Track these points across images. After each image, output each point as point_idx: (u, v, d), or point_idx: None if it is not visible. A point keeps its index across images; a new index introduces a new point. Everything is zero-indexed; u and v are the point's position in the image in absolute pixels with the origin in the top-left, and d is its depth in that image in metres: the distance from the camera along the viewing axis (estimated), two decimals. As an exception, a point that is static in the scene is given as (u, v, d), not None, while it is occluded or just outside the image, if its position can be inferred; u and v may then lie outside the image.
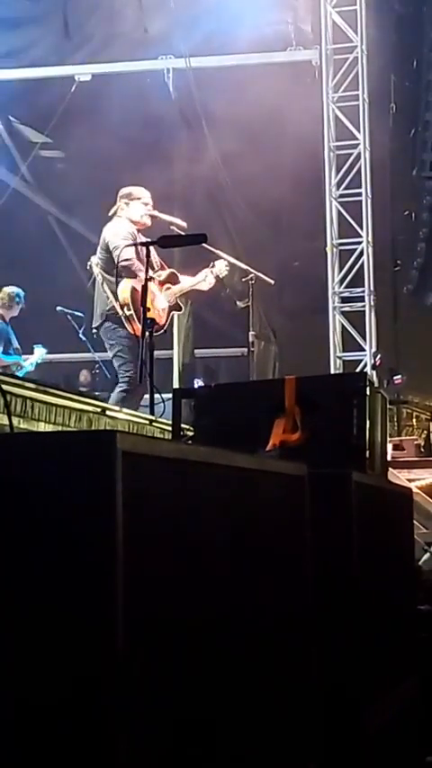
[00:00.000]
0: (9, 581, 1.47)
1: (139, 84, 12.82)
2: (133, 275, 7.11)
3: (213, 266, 7.65)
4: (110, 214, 7.57)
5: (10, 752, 1.45)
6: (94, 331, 7.57)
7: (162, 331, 7.47)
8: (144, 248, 6.99)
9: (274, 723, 2.16)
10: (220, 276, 7.73)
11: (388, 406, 3.79)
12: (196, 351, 13.22)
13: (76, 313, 10.26)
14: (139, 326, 6.78)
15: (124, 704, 1.44)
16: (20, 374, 8.96)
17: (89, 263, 7.59)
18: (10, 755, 1.45)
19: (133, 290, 7.03)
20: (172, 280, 7.57)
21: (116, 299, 7.18)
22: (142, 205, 7.53)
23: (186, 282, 7.66)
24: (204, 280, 7.65)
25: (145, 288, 6.65)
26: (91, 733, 1.42)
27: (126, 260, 7.16)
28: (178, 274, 7.65)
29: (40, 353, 10.37)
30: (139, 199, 7.56)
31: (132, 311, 7.05)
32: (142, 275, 6.90)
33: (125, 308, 7.12)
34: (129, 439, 1.50)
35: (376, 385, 5.30)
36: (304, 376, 3.23)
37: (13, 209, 13.73)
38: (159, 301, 7.37)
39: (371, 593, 2.89)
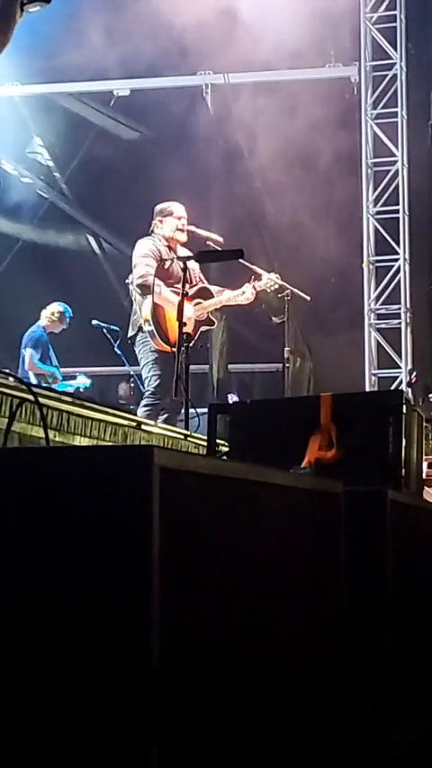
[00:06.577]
0: (47, 591, 1.48)
1: (177, 100, 12.89)
2: (148, 291, 7.14)
3: (259, 280, 7.57)
4: (149, 232, 7.61)
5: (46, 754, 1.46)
6: (129, 342, 7.62)
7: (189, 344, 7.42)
8: (180, 263, 7.01)
9: (298, 735, 2.16)
10: (267, 290, 7.62)
11: (424, 424, 3.77)
12: (230, 366, 13.21)
13: (112, 327, 10.31)
14: (162, 343, 7.08)
15: (158, 713, 1.44)
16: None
17: (127, 281, 7.63)
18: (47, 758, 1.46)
19: (154, 306, 7.11)
20: (203, 295, 7.52)
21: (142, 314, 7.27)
22: (175, 220, 7.53)
23: (225, 296, 7.59)
24: (243, 294, 7.58)
25: (181, 303, 6.65)
26: (126, 740, 1.43)
27: (140, 277, 7.24)
28: (221, 288, 7.62)
29: (82, 381, 10.51)
30: (171, 214, 7.57)
31: (153, 327, 7.12)
32: (159, 290, 7.06)
33: (146, 324, 7.20)
34: (165, 454, 1.50)
35: (412, 402, 5.27)
36: (340, 393, 3.23)
37: (51, 223, 13.82)
38: (186, 315, 7.35)
39: (405, 609, 2.87)
